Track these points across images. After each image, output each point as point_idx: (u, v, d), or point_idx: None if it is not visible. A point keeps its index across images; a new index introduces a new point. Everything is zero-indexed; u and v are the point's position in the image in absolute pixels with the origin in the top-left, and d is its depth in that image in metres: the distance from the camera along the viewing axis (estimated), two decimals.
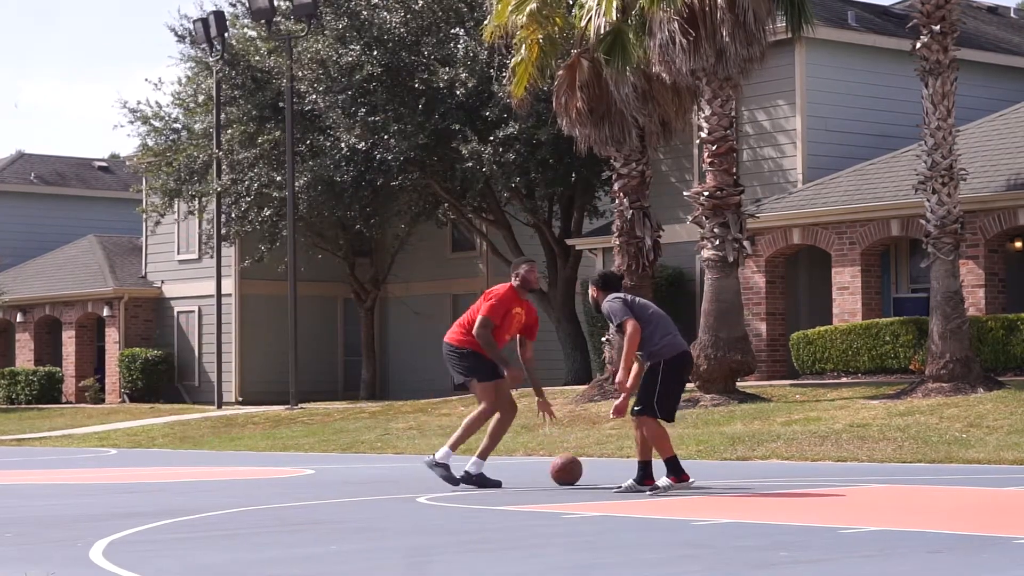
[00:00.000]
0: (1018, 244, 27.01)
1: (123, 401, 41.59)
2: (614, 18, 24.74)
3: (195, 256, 41.85)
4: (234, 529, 10.91)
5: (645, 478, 13.06)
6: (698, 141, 26.32)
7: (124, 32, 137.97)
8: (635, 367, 13.06)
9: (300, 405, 33.22)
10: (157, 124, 39.80)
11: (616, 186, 27.14)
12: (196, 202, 39.61)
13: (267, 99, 36.50)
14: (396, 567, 8.59)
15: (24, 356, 45.70)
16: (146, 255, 43.87)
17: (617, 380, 13.02)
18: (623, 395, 13.07)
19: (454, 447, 13.99)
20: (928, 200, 23.15)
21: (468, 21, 33.34)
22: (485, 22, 27.62)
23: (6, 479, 18.23)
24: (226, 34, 36.31)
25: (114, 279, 43.23)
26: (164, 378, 41.76)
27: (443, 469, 13.92)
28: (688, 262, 30.93)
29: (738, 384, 24.92)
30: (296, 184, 34.28)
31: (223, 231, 37.26)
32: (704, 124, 25.00)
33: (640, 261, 26.78)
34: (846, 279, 27.67)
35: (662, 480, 12.87)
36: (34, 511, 13.00)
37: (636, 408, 12.97)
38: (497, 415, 14.00)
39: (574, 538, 9.88)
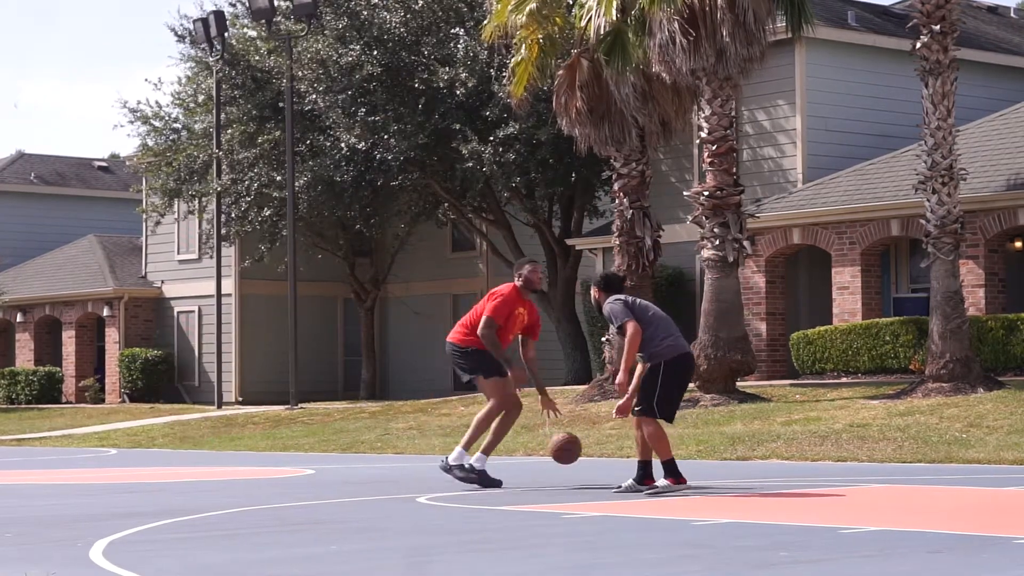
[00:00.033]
0: (1018, 244, 27.01)
1: (123, 401, 41.59)
2: (614, 18, 24.74)
3: (195, 256, 41.85)
4: (234, 529, 10.91)
5: (645, 478, 13.07)
6: (698, 141, 26.32)
7: (124, 32, 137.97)
8: (638, 368, 13.06)
9: (300, 405, 33.22)
10: (157, 124, 39.81)
11: (616, 186, 27.14)
12: (196, 202, 39.62)
13: (267, 99, 36.50)
14: (396, 567, 8.59)
15: (24, 356, 45.70)
16: (146, 255, 43.88)
17: (617, 381, 13.02)
18: (626, 395, 13.08)
19: (467, 446, 13.97)
20: (928, 200, 23.15)
21: (468, 21, 33.34)
22: (485, 22, 27.62)
23: (6, 479, 18.23)
24: (226, 34, 36.31)
25: (114, 279, 43.24)
26: (164, 378, 41.76)
27: (460, 470, 13.89)
28: (688, 262, 30.93)
29: (738, 384, 24.92)
30: (296, 184, 34.28)
31: (223, 231, 37.27)
32: (704, 124, 25.00)
33: (640, 261, 26.78)
34: (846, 279, 27.67)
35: (661, 482, 12.87)
36: (34, 511, 12.99)
37: (636, 408, 12.97)
38: (503, 412, 14.01)
39: (574, 538, 9.88)
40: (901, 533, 9.64)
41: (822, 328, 27.35)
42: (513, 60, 26.66)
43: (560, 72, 26.43)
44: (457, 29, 33.80)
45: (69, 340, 44.23)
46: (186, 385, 41.87)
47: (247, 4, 36.66)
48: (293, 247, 34.44)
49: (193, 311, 41.99)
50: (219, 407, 36.35)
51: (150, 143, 39.94)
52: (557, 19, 26.45)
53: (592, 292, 13.53)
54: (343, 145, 33.40)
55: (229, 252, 39.47)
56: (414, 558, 8.93)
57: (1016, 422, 19.19)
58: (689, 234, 29.15)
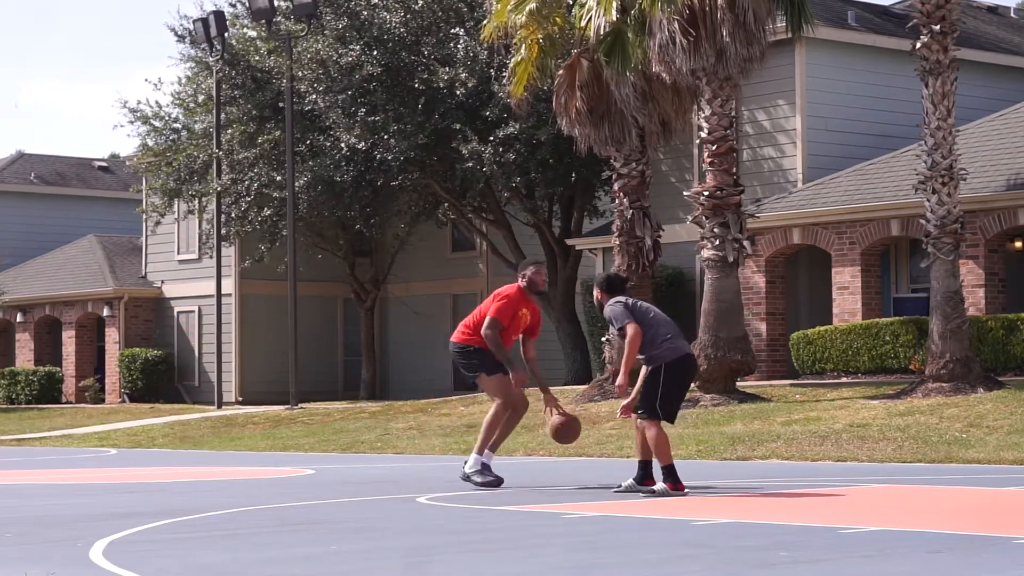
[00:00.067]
0: (1018, 244, 27.01)
1: (123, 401, 41.58)
2: (614, 18, 24.74)
3: (195, 256, 41.85)
4: (234, 529, 10.91)
5: (645, 478, 13.07)
6: (698, 141, 26.32)
7: (124, 32, 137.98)
8: (642, 370, 13.05)
9: (300, 405, 33.22)
10: (157, 124, 39.81)
11: (616, 186, 27.14)
12: (196, 202, 39.62)
13: (267, 99, 36.50)
14: (396, 567, 8.59)
15: (24, 356, 45.70)
16: (146, 255, 43.87)
17: (617, 383, 13.03)
18: (629, 396, 13.09)
19: (480, 451, 13.94)
20: (928, 200, 23.15)
21: (468, 21, 33.35)
22: (484, 22, 27.62)
23: (6, 479, 18.23)
24: (226, 34, 36.31)
25: (114, 279, 43.24)
26: (164, 378, 41.75)
27: (479, 476, 13.84)
28: (688, 262, 30.93)
29: (738, 384, 24.92)
30: (296, 184, 34.28)
31: (223, 231, 37.26)
32: (704, 124, 25.00)
33: (640, 261, 26.78)
34: (846, 279, 27.67)
35: (659, 486, 12.85)
36: (34, 511, 12.99)
37: (638, 412, 12.97)
38: (509, 410, 14.00)
39: (574, 538, 9.88)
40: (901, 533, 9.64)
41: (822, 328, 27.35)
42: (513, 60, 26.66)
43: (560, 72, 26.43)
44: (457, 29, 33.80)
45: (69, 340, 44.23)
46: (186, 385, 41.87)
47: (247, 4, 36.66)
48: (293, 247, 34.44)
49: (193, 311, 41.99)
50: (219, 407, 36.34)
51: (150, 143, 39.94)
52: (557, 19, 26.45)
53: (595, 293, 13.53)
54: (343, 145, 33.40)
55: (229, 252, 39.47)
56: (414, 558, 8.93)
57: (1016, 422, 19.19)
58: (689, 234, 29.15)
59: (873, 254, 27.80)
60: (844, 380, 26.32)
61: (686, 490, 12.74)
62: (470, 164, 32.02)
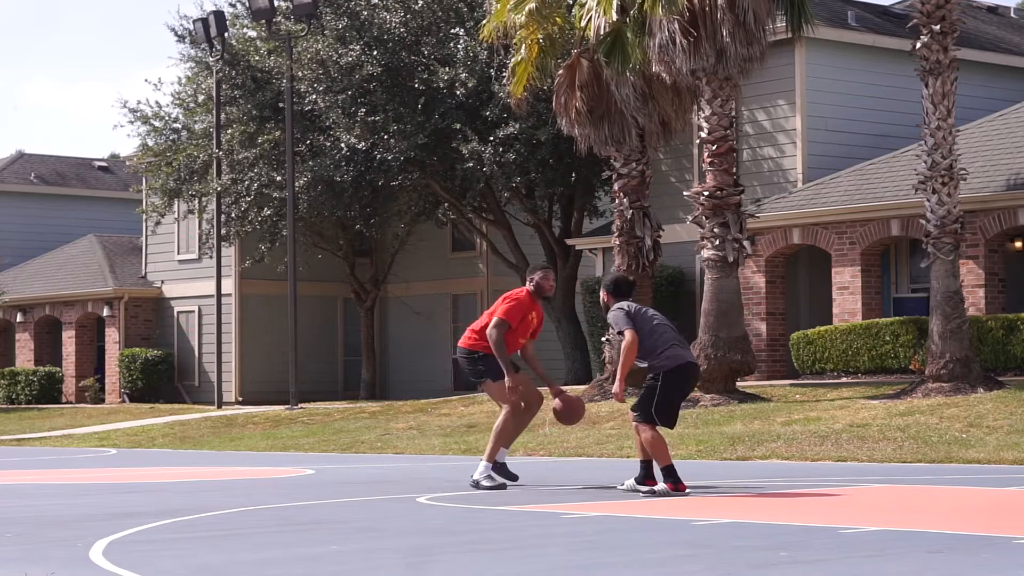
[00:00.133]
0: (1018, 244, 27.01)
1: (123, 401, 41.58)
2: (614, 18, 24.73)
3: (195, 256, 41.84)
4: (234, 529, 10.91)
5: (646, 478, 13.06)
6: (698, 141, 26.32)
7: (124, 32, 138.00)
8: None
9: (300, 405, 33.22)
10: (157, 124, 39.81)
11: (616, 186, 27.14)
12: (196, 202, 39.61)
13: (267, 99, 36.50)
14: (396, 567, 8.59)
15: (24, 356, 45.70)
16: (146, 255, 43.87)
17: (614, 391, 13.09)
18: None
19: (489, 459, 13.91)
20: (928, 200, 23.16)
21: (468, 21, 33.35)
22: (484, 21, 27.61)
23: (6, 479, 18.23)
24: (226, 34, 36.31)
25: (114, 279, 43.23)
26: (164, 378, 41.75)
27: (489, 480, 13.83)
28: (688, 262, 30.93)
29: (738, 384, 24.92)
30: (296, 184, 34.27)
31: (223, 231, 37.26)
32: (704, 124, 25.00)
33: (640, 261, 26.79)
34: (846, 279, 27.67)
35: (660, 486, 12.84)
36: (34, 511, 12.99)
37: (635, 414, 12.97)
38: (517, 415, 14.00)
39: (574, 538, 9.88)
40: (901, 533, 9.64)
41: (822, 328, 27.35)
42: (513, 60, 26.66)
43: (560, 72, 26.43)
44: (457, 29, 33.81)
45: (69, 340, 44.22)
46: (186, 385, 41.87)
47: (247, 4, 36.65)
48: (293, 247, 34.44)
49: (193, 311, 41.99)
50: (219, 407, 36.35)
51: (150, 143, 39.94)
52: (557, 19, 26.45)
53: (601, 294, 13.53)
54: (343, 145, 33.40)
55: (229, 252, 39.47)
56: (414, 558, 8.93)
57: (1016, 422, 19.19)
58: (689, 234, 29.15)
59: (873, 254, 27.80)
60: (844, 380, 26.32)
61: (687, 490, 12.75)
62: (470, 164, 32.02)
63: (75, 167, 54.11)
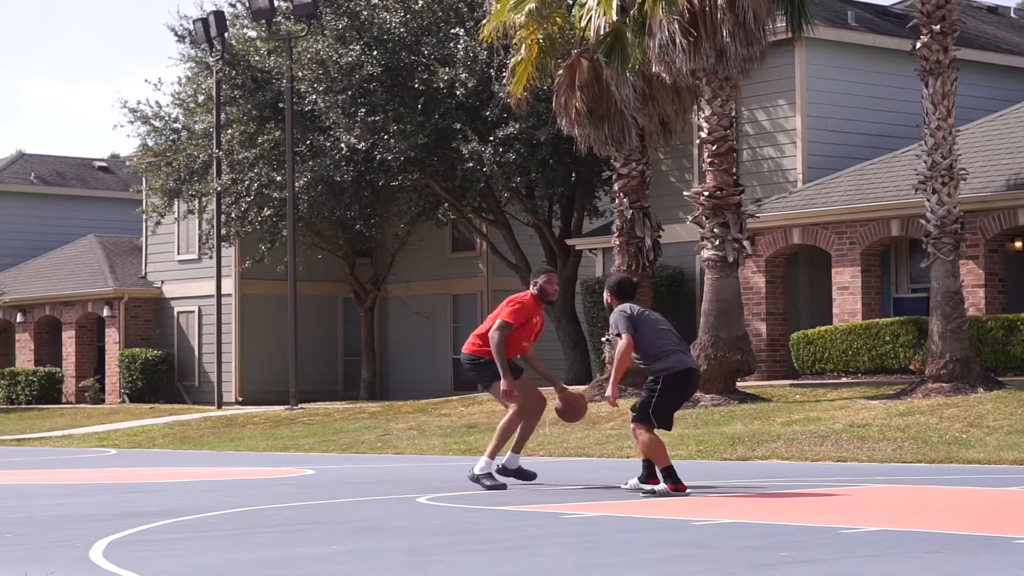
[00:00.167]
0: (1018, 244, 27.01)
1: (123, 401, 41.58)
2: (614, 19, 24.73)
3: (195, 256, 41.84)
4: (234, 529, 10.91)
5: (649, 477, 13.06)
6: (698, 141, 26.32)
7: (124, 32, 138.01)
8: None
9: (300, 405, 33.21)
10: (157, 124, 39.81)
11: (616, 186, 27.13)
12: (196, 202, 39.61)
13: (267, 99, 36.50)
14: (396, 567, 8.59)
15: (24, 356, 45.69)
16: (146, 255, 43.87)
17: (607, 394, 13.13)
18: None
19: (492, 455, 13.91)
20: (928, 200, 23.16)
21: (468, 21, 33.35)
22: (484, 21, 27.61)
23: (6, 479, 18.23)
24: (226, 34, 36.31)
25: (114, 279, 43.23)
26: (164, 378, 41.74)
27: (487, 479, 13.83)
28: (688, 262, 30.93)
29: (738, 384, 24.92)
30: (296, 184, 34.27)
31: (223, 231, 37.26)
32: (704, 124, 25.00)
33: (640, 261, 26.78)
34: (846, 279, 27.67)
35: (660, 486, 12.85)
36: (34, 511, 12.99)
37: (633, 415, 12.99)
38: (524, 416, 14.01)
39: (574, 538, 9.88)
40: (901, 533, 9.64)
41: (822, 328, 27.35)
42: (513, 60, 26.66)
43: (560, 72, 26.43)
44: (457, 29, 33.81)
45: (69, 340, 44.22)
46: (186, 385, 41.87)
47: (247, 4, 36.65)
48: (293, 247, 34.44)
49: (193, 311, 41.98)
50: (219, 407, 36.35)
51: (150, 143, 39.93)
52: (557, 19, 26.45)
53: (605, 295, 13.55)
54: (343, 145, 33.40)
55: (229, 252, 39.47)
56: (414, 558, 8.93)
57: (1016, 422, 19.19)
58: (689, 234, 29.15)
59: (873, 254, 27.80)
60: (844, 380, 26.32)
61: (687, 490, 12.75)
62: (470, 164, 32.02)
63: (75, 167, 54.11)
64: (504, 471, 14.05)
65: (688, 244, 29.72)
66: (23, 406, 42.37)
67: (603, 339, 28.40)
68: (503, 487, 13.73)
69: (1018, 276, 26.95)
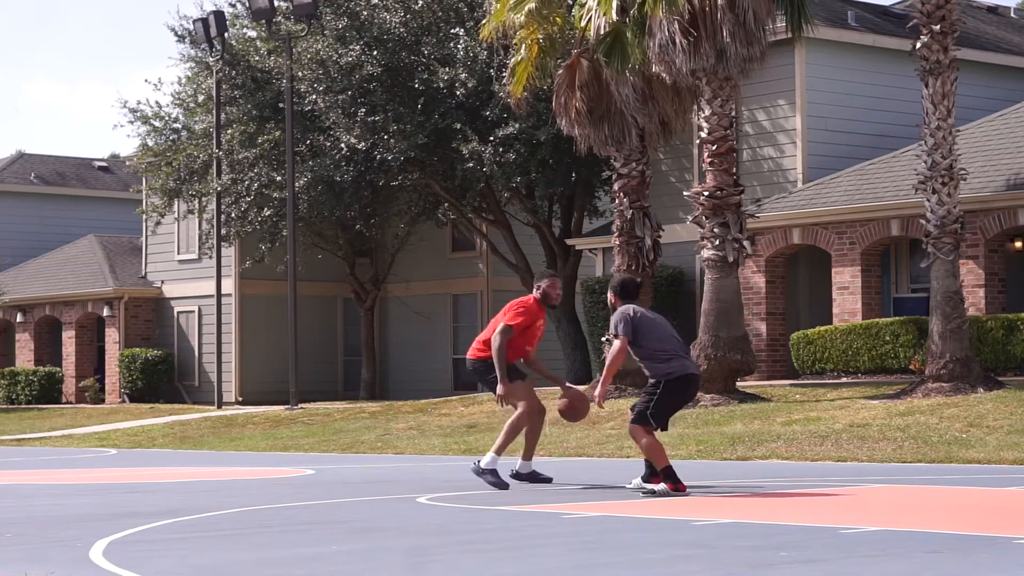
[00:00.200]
0: (1018, 244, 27.01)
1: (123, 401, 41.58)
2: (614, 19, 24.73)
3: (195, 256, 41.84)
4: (234, 529, 10.91)
5: (652, 475, 13.07)
6: (698, 141, 26.32)
7: (124, 32, 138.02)
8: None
9: (300, 405, 33.21)
10: (157, 124, 39.81)
11: (616, 186, 27.13)
12: (196, 202, 39.60)
13: (267, 99, 36.49)
14: (396, 567, 8.59)
15: (24, 356, 45.69)
16: (146, 255, 43.87)
17: (596, 394, 13.17)
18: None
19: (499, 451, 13.92)
20: (928, 200, 23.15)
21: (468, 21, 33.35)
22: (484, 21, 27.61)
23: (6, 479, 18.23)
24: (226, 34, 36.30)
25: (114, 279, 43.23)
26: (164, 378, 41.74)
27: (492, 475, 13.83)
28: (688, 262, 30.93)
29: (738, 384, 24.92)
30: (296, 184, 34.27)
31: (223, 231, 37.25)
32: (704, 124, 25.00)
33: (640, 261, 26.78)
34: (846, 279, 27.67)
35: (660, 486, 12.85)
36: (34, 511, 12.99)
37: (632, 416, 13.00)
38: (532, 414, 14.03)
39: (574, 538, 9.88)
40: (901, 533, 9.64)
41: (822, 328, 27.35)
42: (513, 60, 26.66)
43: (560, 72, 26.42)
44: (457, 29, 33.81)
45: (69, 340, 44.22)
46: (186, 385, 41.87)
47: (247, 4, 36.64)
48: (293, 247, 34.44)
49: (193, 311, 41.98)
50: (219, 407, 36.34)
51: (150, 143, 39.92)
52: (557, 19, 26.44)
53: (609, 295, 13.56)
54: (343, 145, 33.39)
55: (229, 252, 39.46)
56: (414, 558, 8.93)
57: (1016, 422, 19.19)
58: (689, 234, 29.15)
59: (873, 254, 27.80)
60: (844, 380, 26.32)
61: (687, 490, 12.75)
62: (470, 164, 32.02)
63: (75, 167, 54.11)
64: (518, 476, 14.13)
65: (688, 244, 29.72)
66: (23, 406, 42.37)
67: (603, 339, 28.40)
68: (506, 487, 13.73)
69: (1018, 276, 26.95)
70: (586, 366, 33.49)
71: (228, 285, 39.67)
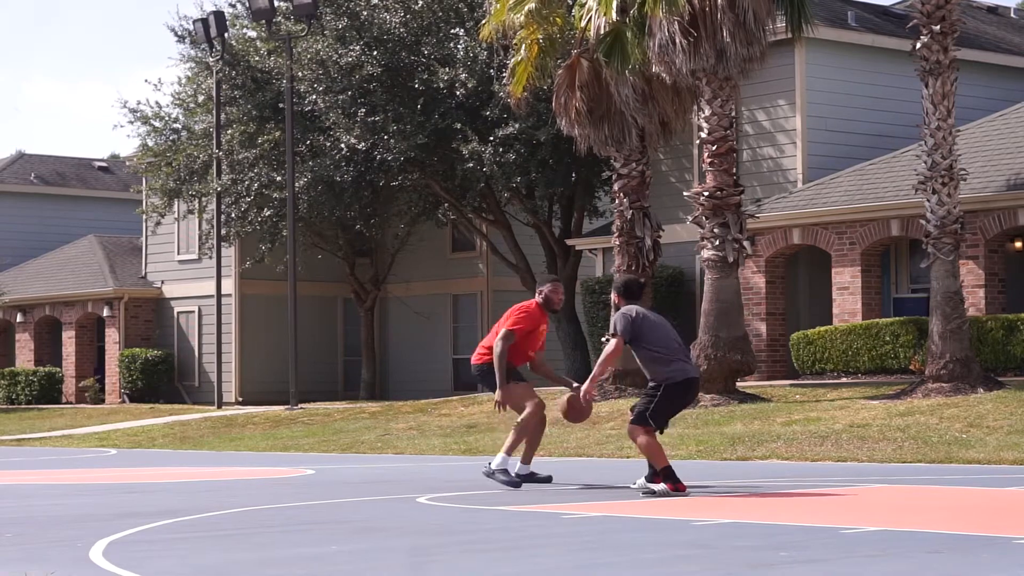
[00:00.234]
0: (1018, 244, 27.01)
1: (123, 401, 41.58)
2: (614, 19, 24.73)
3: (195, 256, 41.84)
4: (234, 529, 10.91)
5: (655, 475, 13.07)
6: (698, 141, 26.32)
7: (124, 32, 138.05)
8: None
9: (300, 405, 33.21)
10: (157, 124, 39.80)
11: (616, 186, 27.13)
12: (196, 202, 39.60)
13: (267, 99, 36.50)
14: (396, 567, 8.59)
15: (24, 356, 45.68)
16: (146, 255, 43.87)
17: (584, 388, 13.18)
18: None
19: (509, 451, 13.93)
20: (928, 200, 23.16)
21: (468, 21, 33.35)
22: (483, 21, 27.61)
23: (6, 479, 18.23)
24: (226, 34, 36.30)
25: (114, 279, 43.23)
26: (164, 378, 41.74)
27: (503, 474, 13.84)
28: (688, 262, 30.93)
29: (738, 384, 24.92)
30: (296, 184, 34.27)
31: (223, 231, 37.26)
32: (704, 124, 25.00)
33: (640, 261, 26.78)
34: (846, 279, 27.67)
35: (659, 486, 12.85)
36: (34, 511, 12.99)
37: (632, 417, 13.00)
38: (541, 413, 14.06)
39: (574, 538, 9.88)
40: (901, 533, 9.64)
41: (822, 328, 27.35)
42: (513, 60, 26.66)
43: (560, 72, 26.42)
44: (457, 29, 33.81)
45: (69, 340, 44.22)
46: (186, 385, 41.87)
47: (247, 4, 36.65)
48: (293, 247, 34.44)
49: (193, 311, 41.98)
50: (219, 407, 36.34)
51: (150, 143, 39.92)
52: (557, 19, 26.45)
53: (612, 295, 13.57)
54: (343, 145, 33.39)
55: (229, 252, 39.46)
56: (414, 558, 8.93)
57: (1016, 422, 19.19)
58: (689, 234, 29.15)
59: (873, 254, 27.80)
60: (844, 380, 26.32)
61: (687, 490, 12.75)
62: (470, 164, 32.02)
63: (75, 167, 54.11)
64: (527, 477, 14.19)
65: (688, 244, 29.71)
66: (23, 406, 42.37)
67: (603, 339, 28.40)
68: (518, 485, 13.75)
69: (1018, 276, 26.95)
70: (586, 366, 33.45)
71: (228, 285, 39.67)
